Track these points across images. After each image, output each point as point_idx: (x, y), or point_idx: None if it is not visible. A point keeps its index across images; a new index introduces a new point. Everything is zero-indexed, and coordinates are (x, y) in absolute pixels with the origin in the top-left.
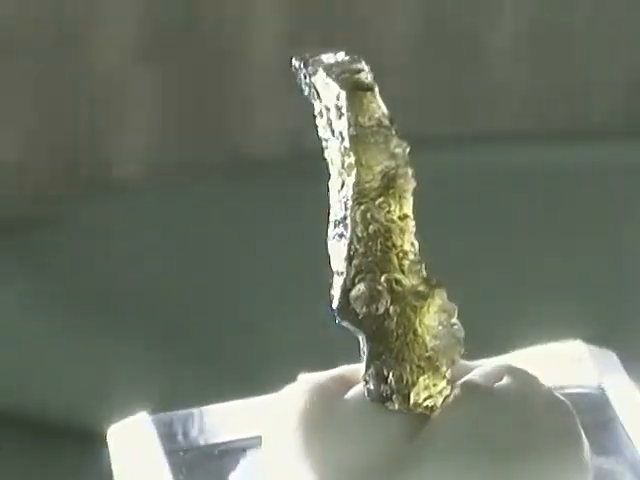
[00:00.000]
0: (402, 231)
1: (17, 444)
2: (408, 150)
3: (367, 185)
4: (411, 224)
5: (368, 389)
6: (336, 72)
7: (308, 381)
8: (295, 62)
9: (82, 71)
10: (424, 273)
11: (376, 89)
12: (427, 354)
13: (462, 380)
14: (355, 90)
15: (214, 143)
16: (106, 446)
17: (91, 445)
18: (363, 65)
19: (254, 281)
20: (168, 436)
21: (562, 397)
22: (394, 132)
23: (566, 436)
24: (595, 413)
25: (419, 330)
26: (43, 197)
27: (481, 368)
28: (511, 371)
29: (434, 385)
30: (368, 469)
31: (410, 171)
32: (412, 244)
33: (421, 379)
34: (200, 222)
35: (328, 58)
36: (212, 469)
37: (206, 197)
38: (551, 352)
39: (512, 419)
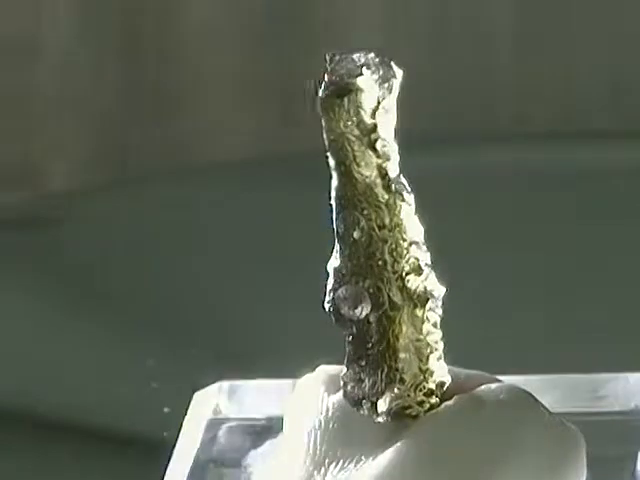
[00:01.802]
0: (382, 241)
1: (17, 444)
2: (381, 162)
3: (348, 192)
4: (391, 235)
5: (345, 391)
6: (336, 73)
7: (320, 373)
8: (327, 57)
9: None
10: (407, 284)
11: (360, 96)
12: (396, 365)
13: (464, 394)
14: (330, 95)
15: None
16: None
17: (91, 444)
18: (393, 70)
19: (258, 280)
20: (236, 405)
21: (569, 424)
22: (366, 143)
23: (554, 461)
24: (628, 442)
25: (392, 340)
26: (43, 197)
27: (492, 384)
28: (510, 390)
29: (408, 396)
30: (345, 468)
31: (383, 182)
32: (392, 254)
33: (390, 389)
34: (201, 221)
35: (359, 57)
36: (242, 443)
37: (207, 197)
38: (605, 379)
39: (490, 437)
